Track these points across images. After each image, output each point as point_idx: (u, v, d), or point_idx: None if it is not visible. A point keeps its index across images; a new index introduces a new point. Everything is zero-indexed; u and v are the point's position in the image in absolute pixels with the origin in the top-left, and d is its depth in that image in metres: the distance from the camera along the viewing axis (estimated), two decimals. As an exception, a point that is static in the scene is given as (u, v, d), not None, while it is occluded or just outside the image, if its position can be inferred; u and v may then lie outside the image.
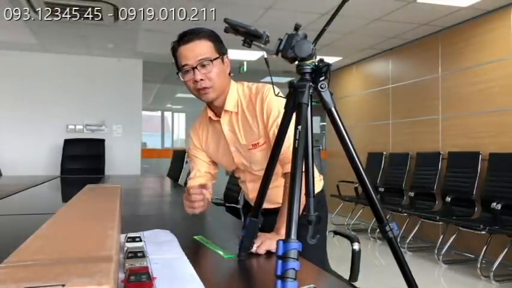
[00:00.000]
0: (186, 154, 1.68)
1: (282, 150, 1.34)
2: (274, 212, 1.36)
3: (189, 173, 1.72)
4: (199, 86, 1.40)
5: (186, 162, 1.70)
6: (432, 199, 4.88)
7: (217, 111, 1.53)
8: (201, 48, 1.38)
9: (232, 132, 1.52)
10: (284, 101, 1.01)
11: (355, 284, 1.53)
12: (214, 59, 1.39)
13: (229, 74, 1.50)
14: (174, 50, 1.42)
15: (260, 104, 1.45)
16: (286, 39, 0.95)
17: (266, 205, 1.50)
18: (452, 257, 4.40)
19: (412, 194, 4.81)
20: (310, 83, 0.95)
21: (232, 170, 1.68)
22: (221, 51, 1.43)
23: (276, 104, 1.41)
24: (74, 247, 0.75)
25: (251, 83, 1.53)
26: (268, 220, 1.35)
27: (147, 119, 8.32)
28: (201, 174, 1.61)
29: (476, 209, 4.29)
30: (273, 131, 1.42)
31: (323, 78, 0.96)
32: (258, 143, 1.48)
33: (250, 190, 1.62)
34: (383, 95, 6.19)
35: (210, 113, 1.54)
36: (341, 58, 6.62)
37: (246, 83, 1.54)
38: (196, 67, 1.38)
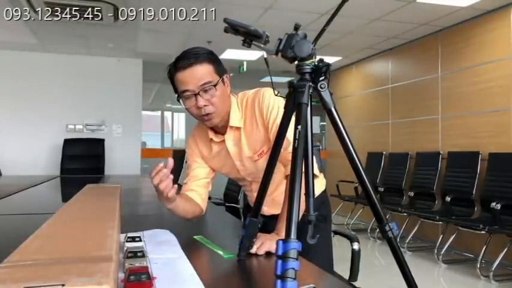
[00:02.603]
0: (186, 155, 1.62)
1: (284, 151, 1.34)
2: None
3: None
4: (203, 112, 1.34)
5: (186, 162, 1.64)
6: (432, 199, 4.88)
7: (221, 130, 1.48)
8: (202, 73, 1.31)
9: (236, 146, 1.48)
10: (282, 100, 1.00)
11: (355, 283, 1.53)
12: (217, 83, 1.33)
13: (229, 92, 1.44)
14: (171, 75, 1.35)
15: (259, 109, 1.42)
16: (286, 39, 0.95)
17: (275, 211, 1.49)
18: (452, 257, 4.40)
19: (411, 193, 4.82)
20: (310, 83, 0.95)
21: (237, 180, 1.64)
22: (221, 72, 1.36)
23: (276, 103, 1.38)
24: (73, 247, 0.75)
25: (245, 93, 1.49)
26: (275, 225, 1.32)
27: (147, 119, 8.33)
28: (196, 179, 1.53)
29: (475, 208, 4.29)
30: (274, 131, 1.37)
31: (323, 78, 0.96)
32: (263, 151, 1.45)
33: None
34: (383, 95, 6.19)
35: (212, 135, 1.49)
36: (341, 58, 6.62)
37: (241, 94, 1.49)
38: (198, 93, 1.31)
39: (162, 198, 1.26)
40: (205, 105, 1.33)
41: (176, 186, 1.23)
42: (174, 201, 1.31)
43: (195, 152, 1.56)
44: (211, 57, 1.35)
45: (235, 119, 1.44)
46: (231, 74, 1.46)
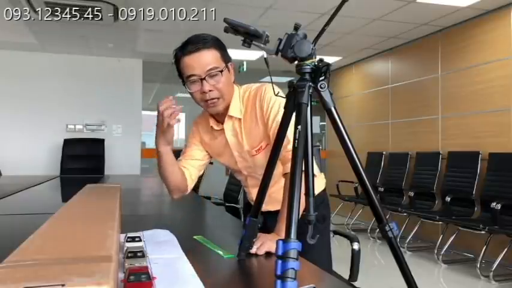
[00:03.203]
0: (187, 139, 1.63)
1: (283, 150, 1.34)
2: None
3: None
4: (208, 97, 1.35)
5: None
6: (432, 199, 4.88)
7: (220, 118, 1.49)
8: (209, 58, 1.32)
9: (235, 137, 1.49)
10: (284, 99, 1.00)
11: (355, 283, 1.53)
12: (223, 69, 1.34)
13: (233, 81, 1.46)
14: (177, 59, 1.36)
15: (259, 105, 1.43)
16: (286, 39, 0.95)
17: (271, 207, 1.50)
18: (452, 257, 4.40)
19: (411, 193, 4.81)
20: (310, 83, 0.94)
21: (234, 172, 1.64)
22: (227, 59, 1.38)
23: (277, 100, 1.38)
24: (73, 247, 0.75)
25: (249, 86, 1.50)
26: (274, 222, 1.32)
27: (147, 119, 8.32)
28: (191, 158, 1.54)
29: (476, 208, 4.29)
30: (273, 129, 1.38)
31: (323, 78, 0.96)
32: (261, 147, 1.45)
33: (255, 195, 1.59)
34: (383, 95, 6.20)
35: (213, 122, 1.50)
36: (341, 58, 6.62)
37: (244, 86, 1.50)
38: (204, 78, 1.32)
39: (161, 132, 1.30)
40: (210, 91, 1.34)
41: (180, 117, 1.26)
42: (169, 146, 1.34)
43: (196, 136, 1.58)
44: (218, 44, 1.37)
45: (235, 109, 1.45)
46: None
